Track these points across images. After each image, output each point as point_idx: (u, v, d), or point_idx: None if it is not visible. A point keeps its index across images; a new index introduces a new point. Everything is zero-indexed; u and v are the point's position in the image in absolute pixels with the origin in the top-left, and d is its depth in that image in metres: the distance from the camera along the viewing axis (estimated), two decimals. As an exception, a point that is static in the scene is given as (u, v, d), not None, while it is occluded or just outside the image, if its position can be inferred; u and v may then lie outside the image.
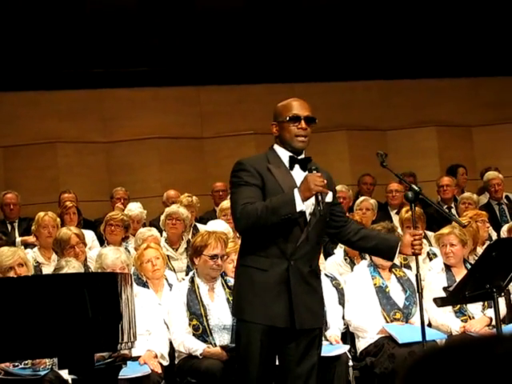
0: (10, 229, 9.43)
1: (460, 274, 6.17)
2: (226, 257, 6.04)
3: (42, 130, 11.43)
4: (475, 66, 12.65)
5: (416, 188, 4.68)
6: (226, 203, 8.57)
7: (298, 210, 4.22)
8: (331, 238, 4.82)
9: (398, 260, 7.01)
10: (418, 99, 12.35)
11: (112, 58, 12.30)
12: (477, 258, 6.45)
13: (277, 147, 4.54)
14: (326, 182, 4.30)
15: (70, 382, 4.36)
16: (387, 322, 6.14)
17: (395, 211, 9.25)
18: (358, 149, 11.86)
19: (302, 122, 4.44)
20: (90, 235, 8.26)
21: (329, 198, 4.48)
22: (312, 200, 4.29)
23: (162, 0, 12.34)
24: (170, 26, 12.34)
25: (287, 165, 4.48)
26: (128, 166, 11.51)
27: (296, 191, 4.23)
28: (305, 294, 4.38)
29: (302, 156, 4.52)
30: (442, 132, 12.27)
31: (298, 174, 4.44)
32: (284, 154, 4.50)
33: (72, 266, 5.91)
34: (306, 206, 4.28)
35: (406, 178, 9.14)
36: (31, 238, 8.12)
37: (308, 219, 4.37)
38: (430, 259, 7.34)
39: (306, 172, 4.40)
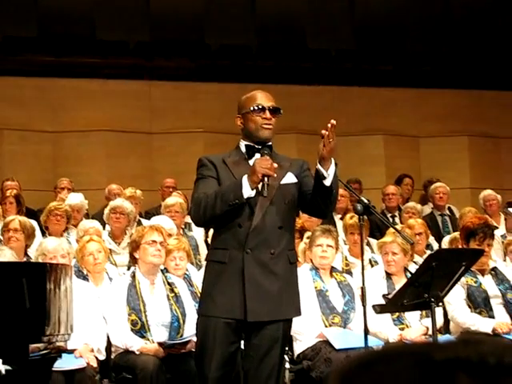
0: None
1: (400, 282, 6.21)
2: (164, 246, 5.95)
3: (-12, 116, 11.26)
4: (425, 77, 12.78)
5: (365, 201, 4.66)
6: (171, 200, 8.54)
7: (244, 195, 4.12)
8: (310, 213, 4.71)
9: (339, 265, 7.04)
10: (368, 107, 12.42)
11: (64, 47, 12.17)
12: (416, 265, 6.51)
13: (241, 142, 4.45)
14: (275, 165, 4.16)
15: (3, 372, 4.29)
16: (326, 326, 6.15)
17: (339, 216, 9.28)
18: (306, 153, 11.85)
19: (267, 111, 4.34)
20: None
21: (289, 179, 4.35)
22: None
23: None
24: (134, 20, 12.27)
25: (246, 155, 4.39)
26: (74, 157, 11.38)
27: (245, 177, 4.14)
28: (264, 282, 4.22)
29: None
30: (390, 141, 12.36)
31: None
32: (244, 146, 4.42)
33: (3, 255, 5.82)
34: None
35: (352, 185, 9.22)
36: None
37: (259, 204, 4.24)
38: (372, 266, 7.38)
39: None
